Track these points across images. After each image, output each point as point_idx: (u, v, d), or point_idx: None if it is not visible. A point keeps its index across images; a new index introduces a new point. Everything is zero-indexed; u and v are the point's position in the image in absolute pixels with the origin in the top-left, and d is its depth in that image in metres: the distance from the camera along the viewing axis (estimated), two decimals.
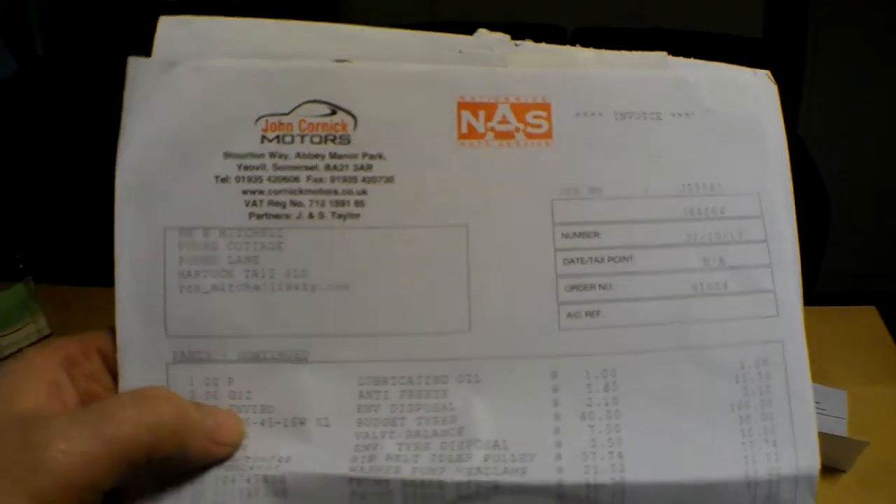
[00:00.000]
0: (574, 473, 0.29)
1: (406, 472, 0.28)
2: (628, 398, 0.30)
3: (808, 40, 1.49)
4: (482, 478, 0.28)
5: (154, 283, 0.29)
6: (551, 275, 0.30)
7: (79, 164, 0.88)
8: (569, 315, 0.30)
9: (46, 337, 0.78)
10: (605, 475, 0.29)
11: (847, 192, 1.37)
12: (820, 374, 0.64)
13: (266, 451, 0.29)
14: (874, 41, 1.55)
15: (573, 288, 0.31)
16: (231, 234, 0.30)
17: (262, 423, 0.29)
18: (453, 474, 0.28)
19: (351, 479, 0.28)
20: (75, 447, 0.25)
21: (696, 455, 0.29)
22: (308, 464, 0.29)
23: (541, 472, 0.29)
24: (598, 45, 0.33)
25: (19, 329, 0.77)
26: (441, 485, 0.28)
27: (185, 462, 0.28)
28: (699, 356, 0.30)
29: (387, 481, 0.28)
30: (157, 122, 0.30)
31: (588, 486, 0.29)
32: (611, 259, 0.31)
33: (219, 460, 0.29)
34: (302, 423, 0.29)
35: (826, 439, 0.59)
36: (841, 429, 0.62)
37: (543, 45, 0.33)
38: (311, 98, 0.30)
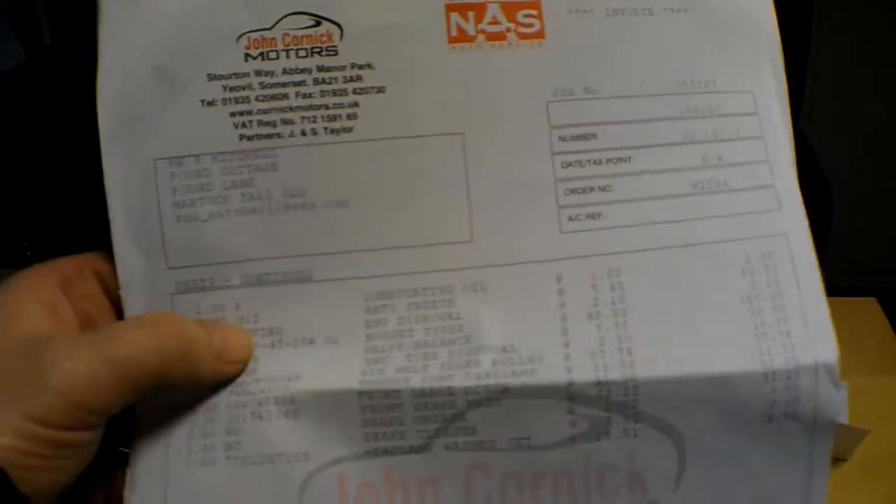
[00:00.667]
0: (584, 372, 0.28)
1: (415, 382, 0.28)
2: (634, 296, 0.29)
3: (812, 34, 1.49)
4: (491, 381, 0.28)
5: (150, 216, 0.29)
6: (550, 179, 0.30)
7: (87, 152, 0.88)
8: (570, 218, 0.30)
9: None
10: (615, 372, 0.28)
11: (851, 188, 1.37)
12: None
13: (276, 373, 0.29)
14: (879, 37, 1.55)
15: (573, 191, 0.30)
16: (223, 158, 0.29)
17: (272, 346, 0.29)
18: (462, 380, 0.28)
19: (361, 393, 0.28)
20: (81, 367, 0.25)
21: (707, 348, 0.29)
22: (318, 382, 0.28)
23: (550, 373, 0.28)
24: None
25: None
26: (450, 391, 0.28)
27: (194, 384, 0.28)
28: (704, 252, 0.30)
29: (397, 392, 0.28)
30: (134, 49, 0.29)
31: (599, 384, 0.28)
32: (609, 161, 0.30)
33: (229, 379, 0.29)
34: (311, 342, 0.29)
35: None
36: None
37: None
38: (294, 10, 0.30)
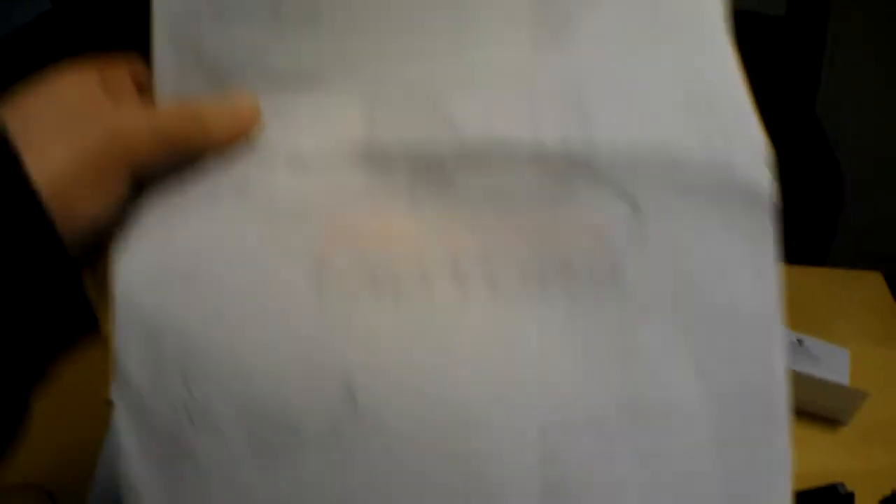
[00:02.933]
0: (549, 130, 0.31)
1: (405, 134, 0.32)
2: (591, 94, 0.32)
3: (829, 20, 1.49)
4: (471, 134, 0.31)
5: (189, 17, 0.33)
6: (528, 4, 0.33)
7: None
8: (542, 39, 0.33)
9: None
10: (576, 131, 0.31)
11: (865, 174, 1.38)
12: (824, 332, 0.66)
13: (280, 136, 0.32)
14: (892, 24, 1.55)
15: (544, 14, 0.33)
16: None
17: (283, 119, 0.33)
18: (446, 133, 0.32)
19: (357, 145, 0.32)
20: (129, 121, 0.30)
21: (658, 122, 0.32)
22: (322, 143, 0.32)
23: (518, 130, 0.31)
24: None
25: None
26: (434, 141, 0.32)
27: (209, 148, 0.31)
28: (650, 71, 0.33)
29: (388, 143, 0.32)
30: None
31: (559, 141, 0.31)
32: None
33: (241, 141, 0.32)
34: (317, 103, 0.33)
35: (826, 388, 0.62)
36: (843, 384, 0.63)
37: None
38: None
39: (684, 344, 0.31)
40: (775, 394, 0.31)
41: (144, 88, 0.33)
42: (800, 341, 0.64)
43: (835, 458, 0.62)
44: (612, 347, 0.31)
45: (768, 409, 0.31)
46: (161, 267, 0.30)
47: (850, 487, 0.56)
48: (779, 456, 0.31)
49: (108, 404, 0.30)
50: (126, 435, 0.30)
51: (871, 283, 0.79)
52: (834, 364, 0.65)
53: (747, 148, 0.32)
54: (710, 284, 0.31)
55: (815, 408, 0.63)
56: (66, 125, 0.29)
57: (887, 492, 0.57)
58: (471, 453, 0.29)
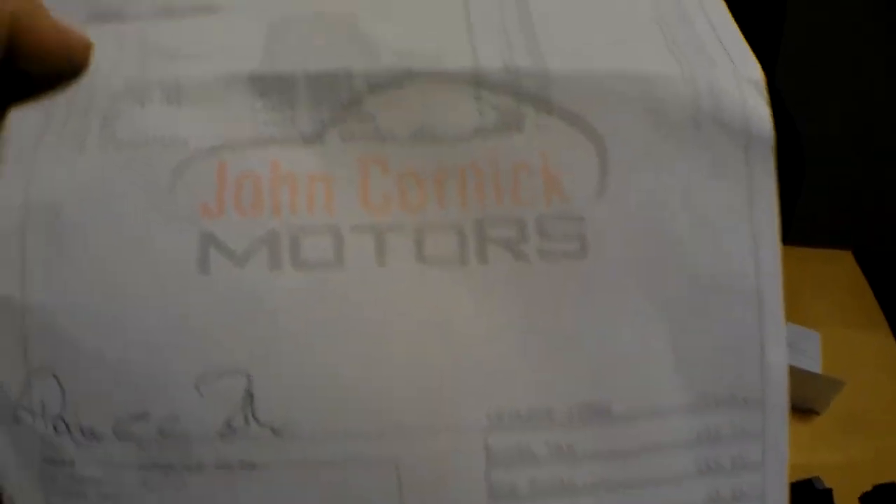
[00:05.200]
0: (490, 57, 0.27)
1: (311, 66, 0.27)
2: (538, 15, 0.28)
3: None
4: (393, 66, 0.27)
5: None
6: None
7: None
8: None
9: None
10: (524, 59, 0.27)
11: (826, 146, 1.36)
12: (793, 314, 0.63)
13: (161, 64, 0.27)
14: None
15: None
16: None
17: (169, 57, 0.28)
18: (362, 64, 0.27)
19: (252, 78, 0.26)
20: None
21: (622, 50, 0.27)
22: (205, 69, 0.27)
23: (455, 58, 0.27)
24: None
25: None
26: (348, 72, 0.26)
27: (40, 48, 0.26)
28: None
29: (291, 76, 0.27)
30: None
31: (508, 71, 0.26)
32: None
33: (71, 70, 0.27)
34: (207, 55, 0.28)
35: (801, 377, 0.59)
36: (815, 370, 0.60)
37: None
38: None
39: (658, 323, 0.26)
40: (771, 392, 0.27)
41: None
42: None
43: (810, 451, 0.59)
44: (570, 329, 0.26)
45: (761, 411, 0.27)
46: (22, 220, 0.26)
47: (827, 482, 0.53)
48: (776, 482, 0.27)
49: None
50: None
51: (841, 262, 0.76)
52: (805, 348, 0.62)
53: (736, 73, 0.27)
54: (692, 248, 0.26)
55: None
56: None
57: (867, 486, 0.54)
58: (404, 466, 0.25)
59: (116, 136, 0.26)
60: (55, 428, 0.25)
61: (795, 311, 0.63)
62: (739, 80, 0.27)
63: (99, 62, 0.28)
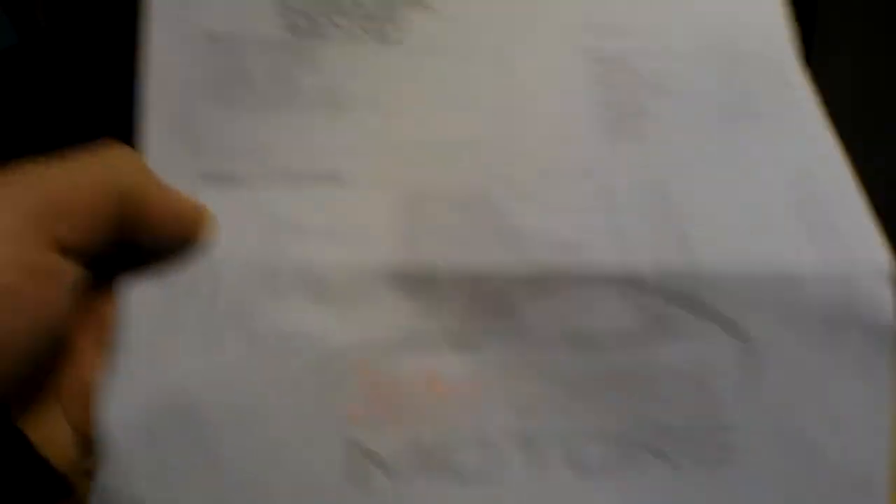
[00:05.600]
0: (640, 259, 0.27)
1: (457, 263, 0.26)
2: (683, 197, 0.28)
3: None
4: (544, 266, 0.27)
5: (186, 95, 0.27)
6: (593, 99, 0.30)
7: (78, 141, 0.84)
8: (613, 132, 0.30)
9: None
10: (674, 261, 0.27)
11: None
12: None
13: (297, 253, 0.26)
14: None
15: (611, 107, 0.30)
16: (265, 46, 0.28)
17: (295, 233, 0.27)
18: (511, 263, 0.27)
19: (396, 275, 0.26)
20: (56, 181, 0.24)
21: (765, 241, 0.28)
22: (348, 261, 0.26)
23: (603, 256, 0.27)
24: None
25: None
26: (498, 274, 0.26)
27: (150, 227, 0.25)
28: (749, 167, 0.29)
29: (437, 274, 0.26)
30: None
31: (657, 273, 0.27)
32: (645, 86, 0.31)
33: (186, 243, 0.26)
34: (338, 233, 0.27)
35: None
36: None
37: None
38: None
39: None
40: None
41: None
42: None
43: None
44: None
45: None
46: (153, 420, 0.24)
47: None
48: None
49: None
50: None
51: None
52: None
53: (870, 265, 0.28)
54: (824, 442, 0.26)
55: None
56: None
57: None
58: None
59: (253, 329, 0.25)
60: None
61: None
62: (878, 274, 0.27)
63: (219, 237, 0.26)
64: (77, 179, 0.24)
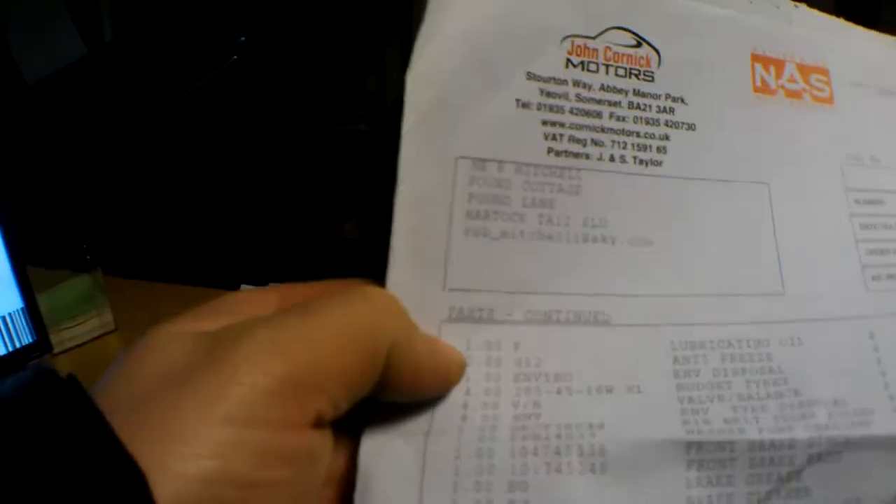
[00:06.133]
0: None
1: (752, 433, 0.25)
2: None
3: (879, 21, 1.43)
4: (833, 433, 0.26)
5: (437, 222, 0.24)
6: (851, 238, 0.30)
7: (145, 153, 0.86)
8: (873, 278, 0.29)
9: (111, 332, 0.76)
10: None
11: None
12: None
13: (570, 419, 0.24)
14: None
15: (872, 252, 0.30)
16: (528, 171, 0.25)
17: (558, 392, 0.24)
18: (802, 431, 0.26)
19: (689, 444, 0.24)
20: (290, 332, 0.20)
21: None
22: (631, 430, 0.24)
23: (885, 425, 0.27)
24: None
25: (82, 322, 0.75)
26: (791, 443, 0.25)
27: (415, 382, 0.23)
28: None
29: (731, 443, 0.25)
30: (455, 30, 0.25)
31: None
32: None
33: (438, 393, 0.23)
34: (609, 390, 0.25)
35: None
36: None
37: (815, 12, 0.32)
38: (620, 24, 0.27)
39: None
40: None
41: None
42: None
43: None
44: None
45: None
46: None
47: None
48: None
49: None
50: None
51: None
52: None
53: None
54: None
55: None
56: (192, 387, 0.18)
57: None
58: None
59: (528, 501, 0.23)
60: None
61: None
62: None
63: (471, 386, 0.24)
64: (341, 336, 0.20)
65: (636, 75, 0.27)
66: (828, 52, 0.31)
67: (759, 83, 0.30)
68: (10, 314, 0.65)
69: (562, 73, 0.26)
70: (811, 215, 0.29)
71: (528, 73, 0.26)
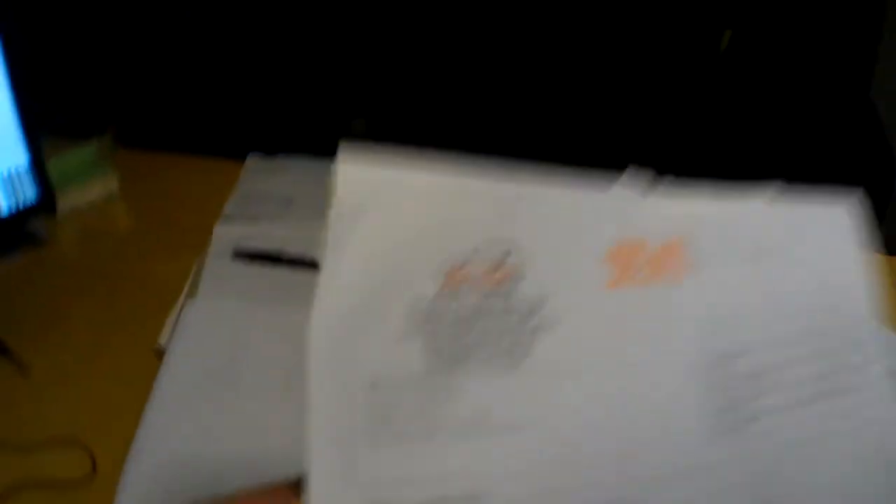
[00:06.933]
0: None
1: None
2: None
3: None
4: None
5: (348, 436, 0.31)
6: (701, 398, 0.32)
7: (155, 21, 0.85)
8: (717, 431, 0.32)
9: (115, 200, 0.77)
10: None
11: None
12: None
13: None
14: None
15: (720, 409, 0.32)
16: (413, 384, 0.31)
17: None
18: None
19: None
20: None
21: None
22: None
23: None
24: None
25: (87, 188, 0.75)
26: None
27: None
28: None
29: None
30: (351, 269, 0.32)
31: None
32: (749, 383, 0.33)
33: None
34: None
35: None
36: None
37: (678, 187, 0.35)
38: (486, 243, 0.33)
39: None
40: None
41: None
42: None
43: None
44: None
45: None
46: None
47: None
48: None
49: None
50: None
51: None
52: None
53: None
54: None
55: None
56: None
57: None
58: None
59: None
60: None
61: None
62: None
63: None
64: None
65: (504, 284, 0.32)
66: (686, 226, 0.34)
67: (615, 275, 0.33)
68: (16, 170, 0.65)
69: (440, 296, 0.32)
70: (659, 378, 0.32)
71: (409, 301, 0.32)
